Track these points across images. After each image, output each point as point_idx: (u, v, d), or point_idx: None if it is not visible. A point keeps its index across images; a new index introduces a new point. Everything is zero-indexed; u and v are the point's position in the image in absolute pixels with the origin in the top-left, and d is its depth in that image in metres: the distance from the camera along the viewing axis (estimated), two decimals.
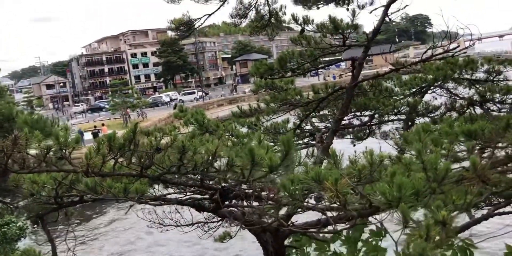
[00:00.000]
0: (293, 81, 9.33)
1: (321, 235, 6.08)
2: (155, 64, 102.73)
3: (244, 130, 8.21)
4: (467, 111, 8.57)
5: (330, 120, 9.80)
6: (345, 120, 9.35)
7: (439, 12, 6.31)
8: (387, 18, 7.57)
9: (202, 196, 5.27)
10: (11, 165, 3.90)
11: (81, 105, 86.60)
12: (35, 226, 5.85)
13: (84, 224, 22.87)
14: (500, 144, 4.75)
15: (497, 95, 8.31)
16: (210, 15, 8.83)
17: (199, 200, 5.30)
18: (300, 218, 5.48)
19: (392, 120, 9.70)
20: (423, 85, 9.27)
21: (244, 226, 5.28)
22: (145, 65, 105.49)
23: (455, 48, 7.29)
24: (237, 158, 4.12)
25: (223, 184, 4.60)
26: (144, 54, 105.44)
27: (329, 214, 4.12)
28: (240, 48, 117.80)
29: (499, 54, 65.21)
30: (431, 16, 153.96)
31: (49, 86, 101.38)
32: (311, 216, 5.05)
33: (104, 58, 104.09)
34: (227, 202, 4.90)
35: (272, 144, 6.15)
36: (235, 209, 5.44)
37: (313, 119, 9.90)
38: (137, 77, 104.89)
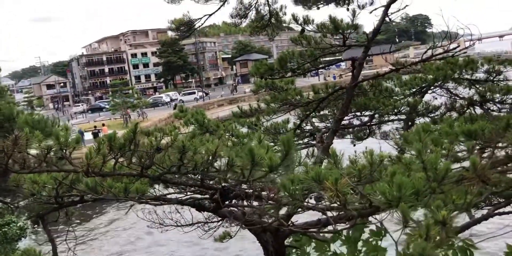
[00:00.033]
0: (293, 81, 9.33)
1: (321, 235, 6.09)
2: (155, 64, 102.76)
3: (244, 130, 8.22)
4: (467, 111, 8.57)
5: (330, 120, 9.81)
6: (345, 120, 9.35)
7: (439, 12, 6.32)
8: (387, 18, 7.57)
9: (203, 196, 5.27)
10: (12, 165, 3.91)
11: (82, 105, 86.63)
12: (36, 226, 5.85)
13: (84, 224, 22.88)
14: (500, 144, 4.75)
15: (497, 95, 8.31)
16: (210, 15, 8.85)
17: (199, 200, 5.30)
18: (300, 218, 5.49)
19: (392, 120, 9.71)
20: (423, 85, 9.27)
21: (245, 226, 5.29)
22: (146, 65, 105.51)
23: (455, 48, 7.30)
24: (237, 158, 4.13)
25: (223, 184, 4.61)
26: (144, 54, 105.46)
27: (329, 214, 4.12)
28: (240, 48, 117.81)
29: (499, 54, 65.18)
30: (431, 16, 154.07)
31: (49, 86, 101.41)
32: (311, 216, 5.05)
33: (104, 58, 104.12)
34: (227, 202, 4.91)
35: (272, 144, 6.16)
36: (236, 209, 5.45)
37: (313, 119, 9.90)
38: (138, 77, 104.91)
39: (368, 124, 9.88)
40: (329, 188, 3.27)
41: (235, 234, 6.27)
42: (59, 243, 5.75)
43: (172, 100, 70.26)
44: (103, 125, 40.96)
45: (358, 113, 9.64)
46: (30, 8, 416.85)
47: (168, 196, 5.16)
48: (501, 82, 8.75)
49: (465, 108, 8.75)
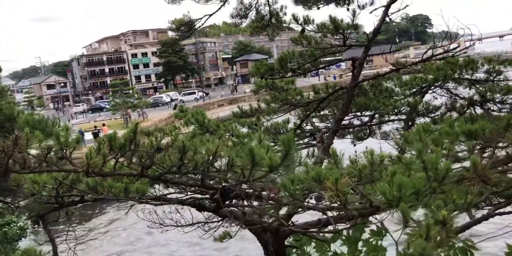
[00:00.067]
0: (293, 81, 9.34)
1: (321, 235, 6.09)
2: (155, 64, 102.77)
3: (245, 130, 8.22)
4: (467, 111, 8.58)
5: (331, 120, 9.81)
6: (345, 120, 9.35)
7: (439, 12, 6.31)
8: (387, 18, 7.57)
9: (203, 195, 5.27)
10: (12, 165, 3.91)
11: (82, 105, 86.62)
12: (36, 226, 5.85)
13: (84, 224, 22.88)
14: (500, 144, 4.75)
15: (498, 95, 8.31)
16: (210, 15, 8.85)
17: (199, 200, 5.30)
18: (300, 218, 5.49)
19: (393, 120, 9.71)
20: (424, 85, 9.28)
21: (245, 225, 5.29)
22: (146, 65, 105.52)
23: (455, 48, 7.30)
24: (238, 158, 4.13)
25: (223, 184, 4.61)
26: (144, 54, 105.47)
27: (329, 213, 4.12)
28: (241, 48, 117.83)
29: (500, 54, 65.18)
30: (431, 16, 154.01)
31: (49, 86, 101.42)
32: (311, 216, 5.05)
33: (104, 58, 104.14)
34: (227, 202, 4.91)
35: (272, 144, 6.16)
36: (236, 209, 5.44)
37: (314, 119, 9.90)
38: (138, 77, 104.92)
39: (369, 124, 9.88)
40: (329, 188, 3.27)
41: (235, 234, 6.27)
42: (59, 243, 5.76)
43: (172, 100, 70.26)
44: (104, 125, 40.96)
45: (359, 113, 9.64)
46: (30, 8, 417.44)
47: (169, 196, 5.16)
48: (502, 82, 8.75)
49: (466, 108, 8.75)
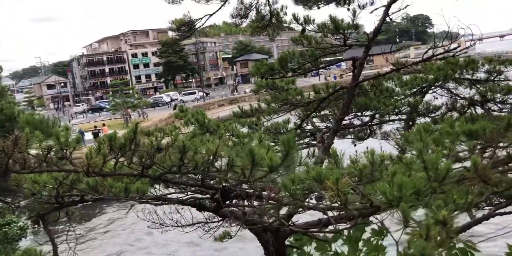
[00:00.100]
0: (294, 81, 9.33)
1: (322, 234, 6.09)
2: (155, 64, 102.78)
3: (245, 130, 8.22)
4: (468, 111, 8.58)
5: (331, 120, 9.81)
6: (346, 120, 9.35)
7: (440, 12, 6.31)
8: (387, 18, 7.57)
9: (203, 195, 5.26)
10: (12, 165, 3.91)
11: (82, 105, 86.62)
12: (36, 226, 5.85)
13: (84, 224, 22.88)
14: (501, 144, 4.75)
15: (498, 95, 8.31)
16: (211, 15, 8.85)
17: (200, 200, 5.30)
18: (301, 218, 5.48)
19: (393, 120, 9.71)
20: (424, 85, 9.28)
21: (245, 225, 5.29)
22: (146, 65, 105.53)
23: (455, 48, 7.29)
24: (238, 158, 4.12)
25: (224, 184, 4.60)
26: (144, 54, 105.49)
27: (330, 213, 4.12)
28: (241, 48, 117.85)
29: (500, 54, 65.23)
30: (432, 16, 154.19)
31: (50, 86, 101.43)
32: (312, 216, 5.05)
33: (104, 58, 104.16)
34: (228, 202, 4.90)
35: (272, 144, 6.15)
36: (236, 209, 5.44)
37: (314, 119, 9.90)
38: (138, 77, 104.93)
39: (369, 124, 9.88)
40: (330, 187, 3.26)
41: (235, 234, 6.27)
42: (60, 243, 5.76)
43: (172, 100, 70.26)
44: (104, 125, 40.96)
45: (359, 113, 9.64)
46: (30, 8, 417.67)
47: (169, 196, 5.15)
48: (502, 82, 8.75)
49: (466, 108, 8.75)
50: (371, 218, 4.47)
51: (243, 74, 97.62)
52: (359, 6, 7.57)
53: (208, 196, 5.14)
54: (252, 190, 4.63)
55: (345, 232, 6.06)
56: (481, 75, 8.93)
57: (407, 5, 7.14)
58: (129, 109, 49.15)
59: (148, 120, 47.00)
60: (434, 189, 3.40)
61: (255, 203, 4.91)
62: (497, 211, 4.59)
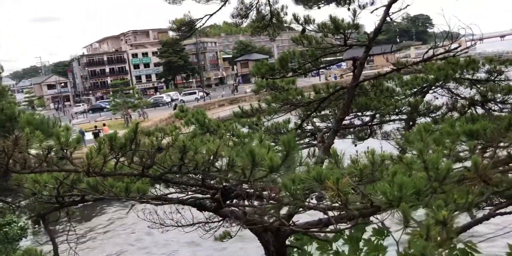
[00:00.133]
0: (294, 81, 9.33)
1: (322, 234, 6.09)
2: (156, 64, 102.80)
3: (245, 130, 8.22)
4: (468, 111, 8.57)
5: (331, 120, 9.81)
6: (346, 120, 9.35)
7: (440, 12, 6.31)
8: (388, 18, 7.57)
9: (204, 195, 5.27)
10: (13, 165, 3.91)
11: (82, 105, 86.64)
12: (36, 226, 5.85)
13: (85, 224, 22.89)
14: (501, 144, 4.75)
15: (499, 95, 8.31)
16: (211, 15, 8.85)
17: (200, 200, 5.30)
18: (301, 218, 5.48)
19: (394, 120, 9.71)
20: (424, 85, 9.27)
21: (246, 225, 5.29)
22: (146, 65, 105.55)
23: (456, 48, 7.29)
24: (238, 158, 4.12)
25: (224, 184, 4.60)
26: (145, 54, 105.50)
27: (330, 213, 4.12)
28: (241, 48, 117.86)
29: (501, 54, 65.20)
30: (432, 16, 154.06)
31: (50, 86, 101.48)
32: (312, 216, 5.05)
33: (105, 58, 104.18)
34: (228, 202, 4.90)
35: (273, 144, 6.15)
36: (237, 209, 5.44)
37: (314, 119, 9.91)
38: (138, 77, 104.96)
39: (369, 124, 9.88)
40: (330, 187, 3.26)
41: (236, 234, 6.27)
42: (60, 243, 5.76)
43: (173, 100, 70.27)
44: (104, 125, 40.97)
45: (359, 113, 9.64)
46: (30, 8, 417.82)
47: (169, 196, 5.15)
48: (503, 82, 8.75)
49: (467, 108, 8.75)
50: (371, 218, 4.46)
51: (243, 74, 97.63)
52: (359, 6, 7.57)
53: (208, 196, 5.14)
54: (252, 190, 4.63)
55: (347, 231, 6.06)
56: (481, 75, 8.92)
57: (408, 5, 7.14)
58: (129, 109, 49.16)
59: (149, 120, 47.01)
60: (434, 189, 3.40)
61: (256, 203, 4.91)
62: (497, 211, 4.59)
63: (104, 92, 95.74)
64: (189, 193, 5.31)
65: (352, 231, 6.08)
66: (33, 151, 3.99)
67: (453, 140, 4.58)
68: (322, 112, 10.03)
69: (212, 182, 4.87)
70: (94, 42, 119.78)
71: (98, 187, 4.44)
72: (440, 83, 9.07)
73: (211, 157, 4.21)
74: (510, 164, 4.77)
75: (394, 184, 3.16)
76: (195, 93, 73.04)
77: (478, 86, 8.94)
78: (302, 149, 8.55)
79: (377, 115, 9.52)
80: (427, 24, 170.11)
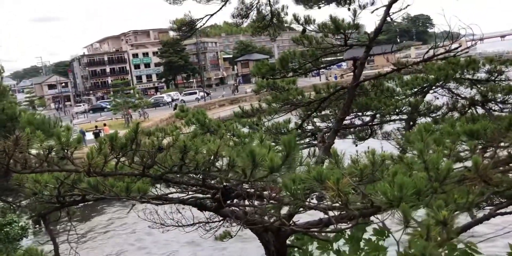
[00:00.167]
0: (294, 81, 9.34)
1: (323, 234, 6.09)
2: (156, 64, 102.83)
3: (246, 130, 8.23)
4: (469, 111, 8.58)
5: (332, 120, 9.81)
6: (346, 120, 9.35)
7: (440, 12, 6.31)
8: (388, 18, 7.57)
9: (204, 195, 5.27)
10: (13, 165, 3.91)
11: (83, 105, 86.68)
12: (37, 225, 5.86)
13: (85, 223, 22.91)
14: (502, 144, 4.75)
15: (499, 95, 8.31)
16: (212, 15, 8.85)
17: (201, 199, 5.30)
18: (302, 218, 5.48)
19: (394, 120, 9.71)
20: (425, 85, 9.28)
21: (246, 225, 5.29)
22: (147, 65, 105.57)
23: (456, 48, 7.29)
24: (239, 158, 4.13)
25: (225, 184, 4.61)
26: (145, 54, 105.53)
27: (331, 213, 4.12)
28: (242, 48, 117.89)
29: (501, 54, 65.17)
30: (433, 16, 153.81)
31: (51, 86, 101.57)
32: (312, 216, 5.05)
33: (105, 58, 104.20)
34: (229, 202, 4.91)
35: (273, 144, 6.16)
36: (237, 209, 5.44)
37: (315, 119, 9.91)
38: (139, 77, 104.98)
39: (370, 124, 9.88)
40: (330, 187, 3.26)
41: (236, 234, 6.27)
42: (61, 243, 5.76)
43: (173, 100, 70.30)
44: (105, 125, 40.99)
45: (360, 113, 9.64)
46: (30, 8, 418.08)
47: (170, 196, 5.16)
48: (503, 82, 8.75)
49: (467, 108, 8.75)
50: (372, 218, 4.47)
51: (244, 74, 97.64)
52: (359, 6, 7.57)
53: (209, 195, 5.15)
54: (253, 190, 4.64)
55: (347, 231, 6.06)
56: (482, 75, 8.93)
57: (408, 5, 7.14)
58: (130, 109, 49.20)
59: (149, 120, 47.03)
60: (435, 189, 3.40)
61: (256, 203, 4.91)
62: (498, 211, 4.59)
63: (105, 92, 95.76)
64: (190, 193, 5.31)
65: (353, 231, 6.09)
66: (33, 151, 3.99)
67: (453, 140, 4.58)
68: (323, 112, 10.04)
69: (212, 182, 4.87)
70: (94, 42, 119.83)
71: (99, 187, 4.44)
72: (441, 83, 9.08)
73: (212, 157, 4.21)
74: (511, 164, 4.77)
75: (394, 184, 3.16)
76: (195, 93, 73.06)
77: (479, 86, 8.94)
78: (303, 149, 8.55)
79: (378, 115, 9.52)
80: (427, 24, 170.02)
